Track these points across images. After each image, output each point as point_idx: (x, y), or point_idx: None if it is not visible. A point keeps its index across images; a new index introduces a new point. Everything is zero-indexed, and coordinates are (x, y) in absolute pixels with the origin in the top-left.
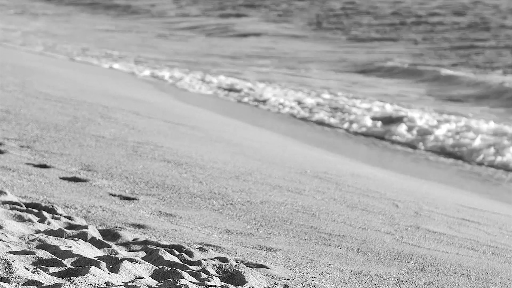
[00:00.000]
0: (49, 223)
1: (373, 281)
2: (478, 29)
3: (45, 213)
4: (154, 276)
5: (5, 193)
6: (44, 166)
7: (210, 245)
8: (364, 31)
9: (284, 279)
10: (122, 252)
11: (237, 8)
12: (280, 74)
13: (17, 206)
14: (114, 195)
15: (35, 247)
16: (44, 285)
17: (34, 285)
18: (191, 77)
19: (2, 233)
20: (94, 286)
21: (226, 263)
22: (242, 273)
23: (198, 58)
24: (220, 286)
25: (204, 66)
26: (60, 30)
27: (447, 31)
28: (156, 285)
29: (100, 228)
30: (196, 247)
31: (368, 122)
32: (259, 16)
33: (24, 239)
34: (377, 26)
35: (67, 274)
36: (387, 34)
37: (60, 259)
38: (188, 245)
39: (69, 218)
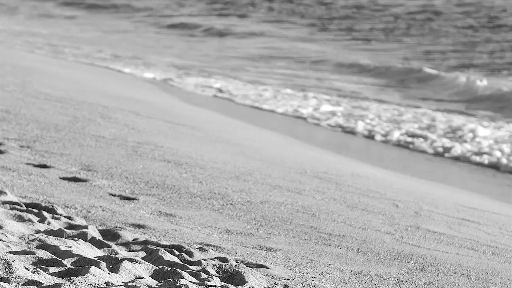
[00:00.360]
0: (49, 223)
1: (373, 281)
2: (486, 29)
3: (45, 213)
4: (154, 276)
5: (5, 193)
6: (44, 166)
7: (210, 245)
8: (371, 32)
9: (284, 279)
10: (122, 252)
11: (239, 9)
12: (305, 79)
13: (17, 206)
14: (114, 195)
15: (35, 247)
16: (44, 285)
17: (34, 285)
18: (210, 83)
19: (2, 233)
20: (94, 286)
21: (226, 263)
22: (242, 273)
23: (214, 61)
24: (220, 286)
25: (225, 71)
26: (83, 33)
27: (457, 32)
28: (156, 285)
29: (100, 228)
30: (196, 247)
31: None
32: (261, 16)
33: (24, 239)
34: (384, 27)
35: (67, 274)
36: (394, 35)
37: (60, 259)
38: (188, 245)
39: (69, 218)
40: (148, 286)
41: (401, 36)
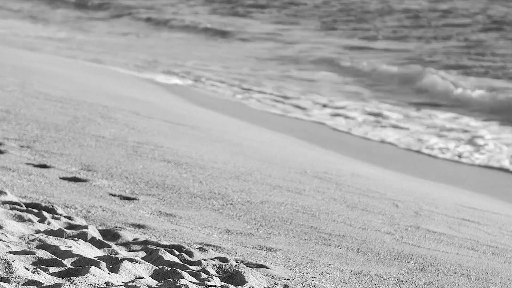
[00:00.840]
0: (49, 223)
1: (373, 281)
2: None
3: (45, 213)
4: (154, 276)
5: (5, 193)
6: (44, 166)
7: (210, 245)
8: (378, 33)
9: (284, 279)
10: (122, 252)
11: (245, 9)
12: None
13: (17, 206)
14: (114, 195)
15: (35, 247)
16: (44, 285)
17: (34, 285)
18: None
19: (2, 233)
20: (94, 286)
21: (226, 263)
22: (242, 273)
23: (237, 66)
24: (220, 286)
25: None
26: (95, 37)
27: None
28: (156, 285)
29: (100, 228)
30: (196, 247)
31: None
32: (266, 17)
33: (24, 239)
34: (392, 27)
35: (67, 274)
36: (405, 35)
37: (60, 259)
38: (188, 245)
39: (69, 218)
40: (148, 286)
41: (407, 36)
